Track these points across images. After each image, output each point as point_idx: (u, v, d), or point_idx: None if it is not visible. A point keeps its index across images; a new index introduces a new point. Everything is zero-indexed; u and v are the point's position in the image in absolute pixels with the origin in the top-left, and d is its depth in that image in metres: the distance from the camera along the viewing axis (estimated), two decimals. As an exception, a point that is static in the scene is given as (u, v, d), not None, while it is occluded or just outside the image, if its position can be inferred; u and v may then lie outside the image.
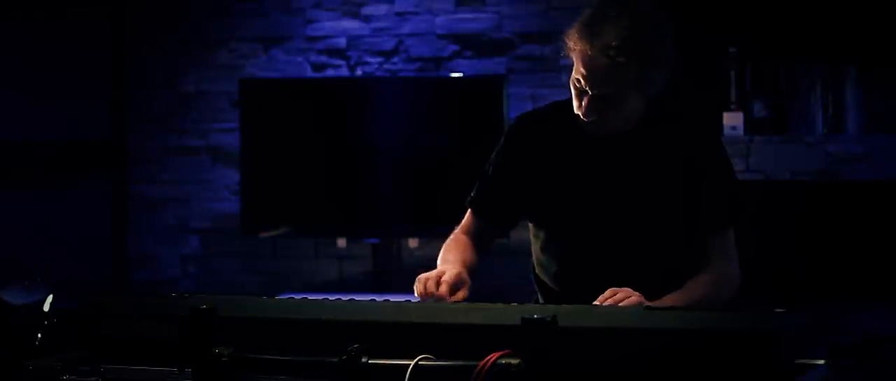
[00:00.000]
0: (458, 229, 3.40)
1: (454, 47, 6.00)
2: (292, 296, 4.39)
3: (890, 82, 5.49)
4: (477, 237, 3.38)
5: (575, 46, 3.08)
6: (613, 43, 3.01)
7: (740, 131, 5.50)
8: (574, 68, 3.11)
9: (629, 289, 2.97)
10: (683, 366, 2.38)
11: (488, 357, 2.33)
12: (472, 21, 5.98)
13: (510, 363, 2.32)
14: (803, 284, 5.56)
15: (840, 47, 5.53)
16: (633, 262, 3.19)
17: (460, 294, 3.05)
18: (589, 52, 3.05)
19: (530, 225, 3.40)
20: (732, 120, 5.52)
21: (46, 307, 2.86)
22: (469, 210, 3.41)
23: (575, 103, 3.15)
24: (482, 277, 3.30)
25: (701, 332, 2.41)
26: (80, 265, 5.99)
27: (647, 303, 2.95)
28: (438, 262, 3.25)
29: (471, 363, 2.34)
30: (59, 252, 5.88)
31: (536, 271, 3.43)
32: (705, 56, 5.62)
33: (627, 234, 3.23)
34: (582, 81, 3.09)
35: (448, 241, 3.36)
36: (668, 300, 3.06)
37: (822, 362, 2.47)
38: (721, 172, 3.26)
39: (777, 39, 5.59)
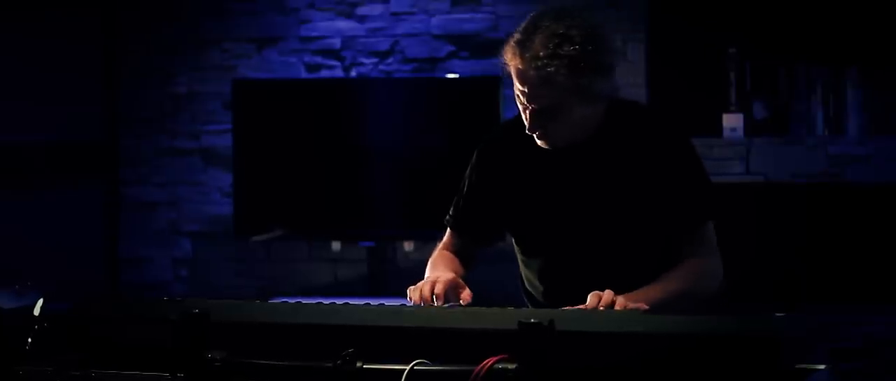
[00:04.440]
0: (440, 247, 3.39)
1: (450, 48, 5.98)
2: (286, 300, 4.35)
3: (891, 83, 5.49)
4: (460, 254, 3.37)
5: (509, 61, 3.06)
6: (541, 53, 2.99)
7: (740, 133, 5.49)
8: (514, 84, 3.09)
9: (611, 292, 2.94)
10: (683, 370, 2.35)
11: (484, 362, 2.33)
12: (468, 21, 5.97)
13: (507, 368, 2.32)
14: (804, 287, 5.55)
15: (841, 48, 5.52)
16: (612, 269, 3.16)
17: (466, 294, 3.02)
18: (520, 66, 3.03)
19: (513, 240, 3.38)
20: (732, 121, 5.51)
21: (37, 311, 2.83)
22: (448, 230, 3.40)
23: (523, 118, 3.13)
24: (475, 282, 3.27)
25: (700, 336, 2.39)
26: (71, 268, 5.97)
27: (626, 301, 2.92)
28: (427, 274, 3.23)
29: (467, 367, 2.33)
30: (50, 255, 5.85)
31: (525, 286, 3.41)
32: (705, 56, 5.62)
33: (603, 241, 3.20)
34: (521, 96, 3.08)
35: (433, 256, 3.35)
36: (642, 294, 3.02)
37: (822, 366, 2.44)
38: (689, 169, 3.23)
39: (777, 40, 5.59)
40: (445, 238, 3.40)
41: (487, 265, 3.44)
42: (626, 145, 3.18)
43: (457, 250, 3.36)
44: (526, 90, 3.05)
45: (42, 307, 2.82)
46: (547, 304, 3.30)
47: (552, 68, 2.98)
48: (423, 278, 3.10)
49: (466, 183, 3.35)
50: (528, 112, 3.09)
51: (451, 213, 3.38)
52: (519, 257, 3.38)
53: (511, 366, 2.31)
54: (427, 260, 3.30)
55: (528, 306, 3.40)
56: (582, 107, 3.08)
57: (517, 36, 3.06)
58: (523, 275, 3.40)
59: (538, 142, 3.15)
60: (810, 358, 2.42)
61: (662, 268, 3.16)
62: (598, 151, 3.17)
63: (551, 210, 3.23)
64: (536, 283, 3.33)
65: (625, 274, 3.09)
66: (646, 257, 3.19)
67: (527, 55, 3.01)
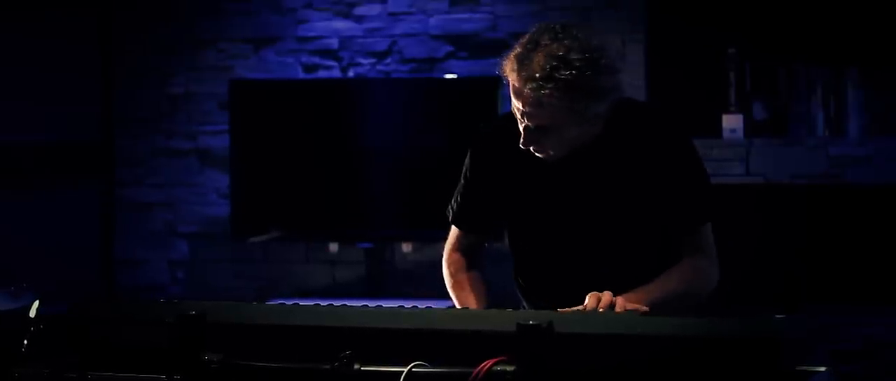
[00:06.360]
0: (449, 248, 3.40)
1: (448, 48, 5.97)
2: (283, 302, 4.33)
3: (892, 84, 5.49)
4: (470, 250, 3.38)
5: (508, 75, 3.04)
6: (537, 74, 2.95)
7: (740, 134, 5.48)
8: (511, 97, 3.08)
9: (610, 294, 2.94)
10: (683, 373, 2.35)
11: (483, 364, 2.32)
12: (467, 21, 5.96)
13: (505, 370, 2.31)
14: (804, 288, 5.55)
15: (841, 48, 5.52)
16: (608, 269, 3.16)
17: None
18: (516, 84, 3.01)
19: (506, 234, 3.38)
20: (732, 122, 5.50)
21: (32, 313, 2.82)
22: (453, 226, 3.40)
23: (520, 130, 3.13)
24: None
25: (701, 338, 2.38)
26: (67, 270, 5.96)
27: (625, 302, 2.93)
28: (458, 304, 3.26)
29: (465, 369, 2.33)
30: (45, 256, 5.84)
31: (519, 280, 3.41)
32: (705, 56, 5.61)
33: (599, 238, 3.20)
34: (516, 111, 3.07)
35: (452, 271, 3.34)
36: (641, 294, 3.02)
37: (823, 368, 2.42)
38: (689, 169, 3.22)
39: (777, 40, 5.59)
40: (453, 236, 3.40)
41: (487, 265, 3.42)
42: (627, 143, 3.17)
43: (466, 246, 3.38)
44: (520, 107, 3.03)
45: (38, 309, 2.81)
46: (539, 298, 3.30)
47: (546, 91, 2.95)
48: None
49: (464, 179, 3.35)
50: (523, 127, 3.08)
51: (453, 209, 3.38)
52: (513, 251, 3.37)
53: (510, 368, 2.31)
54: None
55: (520, 296, 3.41)
56: (576, 127, 3.06)
57: (518, 50, 3.02)
58: (517, 270, 3.39)
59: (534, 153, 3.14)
60: (810, 360, 2.40)
61: (659, 267, 3.16)
62: (597, 149, 3.16)
63: (547, 207, 3.23)
64: (530, 277, 3.33)
65: (618, 273, 3.10)
66: (642, 256, 3.20)
67: (523, 74, 2.98)
